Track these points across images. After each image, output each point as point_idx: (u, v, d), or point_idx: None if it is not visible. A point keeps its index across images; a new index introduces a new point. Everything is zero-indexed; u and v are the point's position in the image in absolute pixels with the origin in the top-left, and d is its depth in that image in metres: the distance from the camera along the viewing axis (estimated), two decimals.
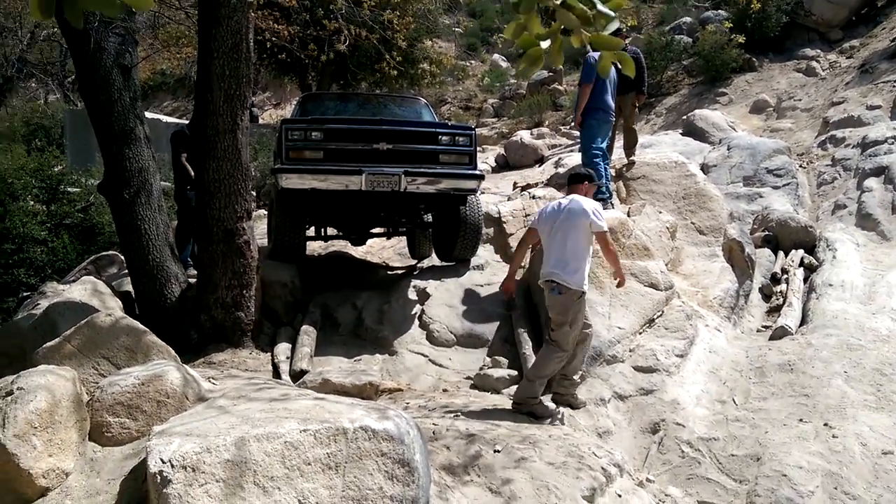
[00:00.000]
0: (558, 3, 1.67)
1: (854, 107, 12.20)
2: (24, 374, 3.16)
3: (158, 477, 2.51)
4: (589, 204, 4.69)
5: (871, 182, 9.28)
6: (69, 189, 10.00)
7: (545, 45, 1.80)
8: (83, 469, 3.08)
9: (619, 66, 2.06)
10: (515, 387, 5.32)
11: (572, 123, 16.78)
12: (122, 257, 6.65)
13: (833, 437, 4.43)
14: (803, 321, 6.57)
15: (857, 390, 4.94)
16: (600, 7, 1.74)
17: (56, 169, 10.41)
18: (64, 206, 9.62)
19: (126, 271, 6.40)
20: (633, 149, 8.69)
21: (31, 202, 9.26)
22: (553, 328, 4.61)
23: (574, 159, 9.41)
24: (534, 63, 1.82)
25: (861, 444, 4.34)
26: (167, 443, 2.64)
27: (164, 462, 2.54)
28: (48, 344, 3.89)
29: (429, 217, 7.43)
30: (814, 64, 15.39)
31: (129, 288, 6.17)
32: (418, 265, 7.93)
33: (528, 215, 7.76)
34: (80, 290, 5.82)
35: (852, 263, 7.39)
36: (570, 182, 5.05)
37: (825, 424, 4.58)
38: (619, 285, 4.98)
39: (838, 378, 5.08)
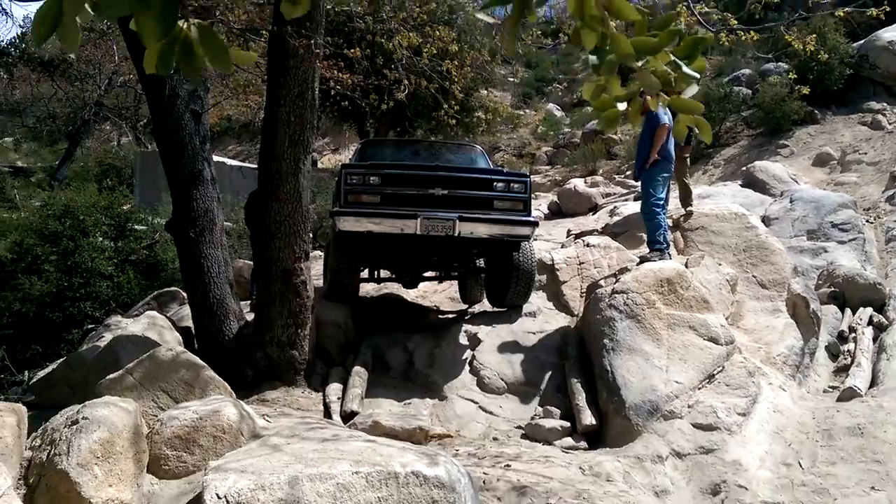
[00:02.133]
0: (640, 64, 1.63)
1: None
2: (89, 405, 3.25)
3: None
4: None
5: None
6: (136, 227, 10.43)
7: (622, 106, 1.76)
8: (140, 500, 3.12)
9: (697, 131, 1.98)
10: (569, 438, 5.20)
11: (627, 172, 16.68)
12: (184, 293, 6.83)
13: None
14: (873, 383, 6.23)
15: None
16: (685, 69, 1.68)
17: (125, 207, 10.88)
18: (130, 243, 10.02)
19: (186, 307, 6.57)
20: (689, 199, 8.56)
21: (100, 238, 9.66)
22: None
23: (630, 208, 9.32)
24: (611, 125, 1.78)
25: None
26: (223, 478, 2.66)
27: (219, 497, 2.56)
28: (111, 376, 4.01)
29: (481, 262, 7.44)
30: (879, 117, 14.99)
31: (189, 323, 6.32)
32: (469, 310, 7.90)
33: (582, 263, 7.68)
34: (143, 324, 6.01)
35: None
36: None
37: None
38: None
39: None
